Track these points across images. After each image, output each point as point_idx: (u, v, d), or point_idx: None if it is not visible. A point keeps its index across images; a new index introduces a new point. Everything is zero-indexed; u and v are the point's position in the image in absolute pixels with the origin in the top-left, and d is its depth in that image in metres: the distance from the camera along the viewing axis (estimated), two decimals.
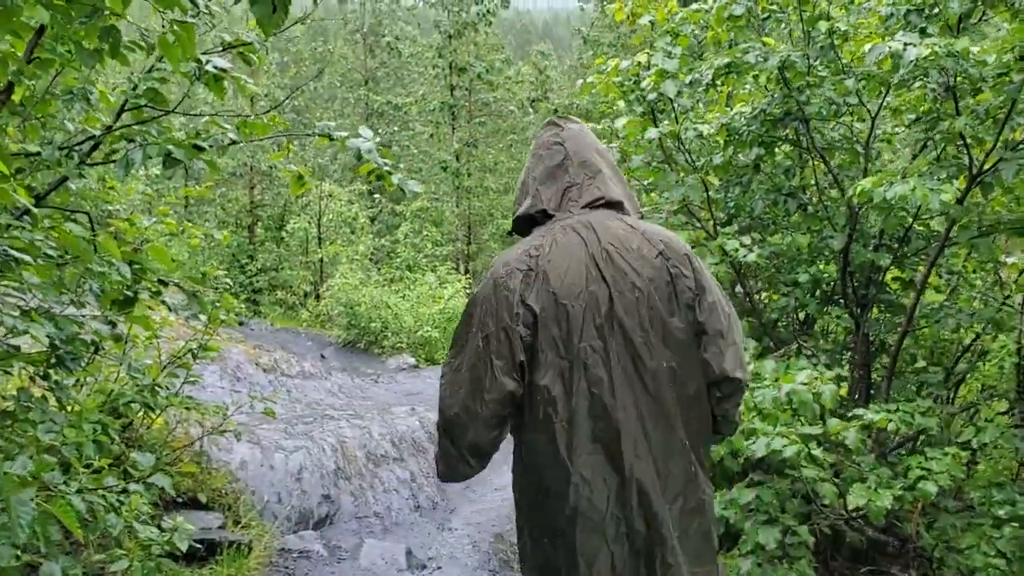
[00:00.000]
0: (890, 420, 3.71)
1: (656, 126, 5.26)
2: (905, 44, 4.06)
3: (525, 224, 2.35)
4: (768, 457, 3.93)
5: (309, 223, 17.11)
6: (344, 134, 3.98)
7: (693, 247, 5.16)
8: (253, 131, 3.93)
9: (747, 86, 6.21)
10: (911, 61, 4.01)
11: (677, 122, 5.30)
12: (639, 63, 5.45)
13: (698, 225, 5.51)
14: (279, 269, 16.67)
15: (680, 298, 2.12)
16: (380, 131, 23.19)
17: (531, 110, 20.83)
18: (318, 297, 16.07)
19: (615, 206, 2.28)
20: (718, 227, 5.49)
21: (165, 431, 4.87)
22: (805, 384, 3.46)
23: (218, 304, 4.67)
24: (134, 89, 3.62)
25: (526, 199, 2.35)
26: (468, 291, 18.02)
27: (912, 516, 4.52)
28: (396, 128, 25.18)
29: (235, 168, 18.02)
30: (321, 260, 16.99)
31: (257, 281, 16.70)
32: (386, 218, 21.77)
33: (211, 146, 3.74)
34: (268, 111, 3.95)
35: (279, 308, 16.76)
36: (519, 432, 2.15)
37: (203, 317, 4.69)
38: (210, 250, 17.29)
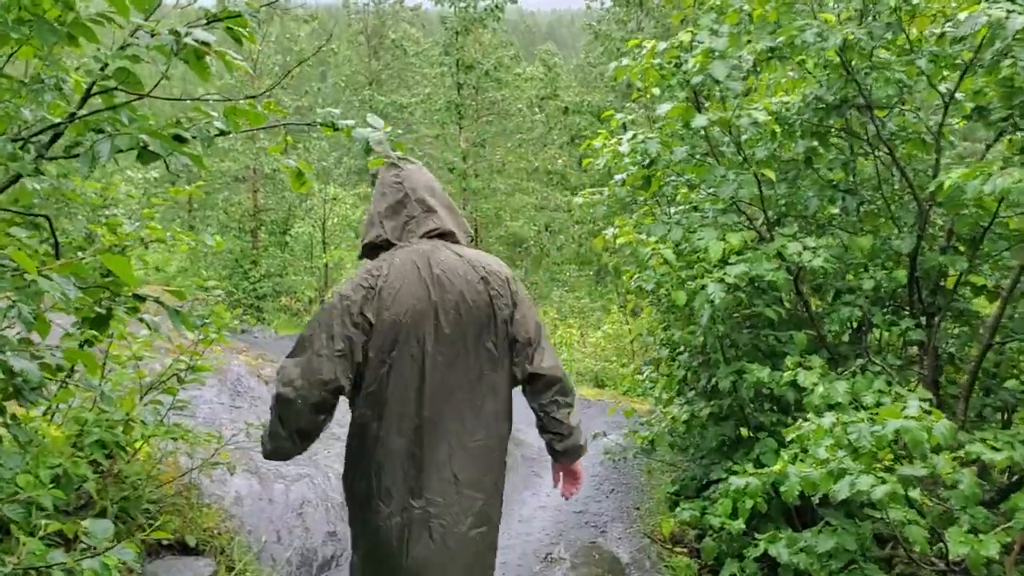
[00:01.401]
0: (1010, 456, 3.10)
1: (700, 113, 4.67)
2: (1008, 11, 3.46)
3: (372, 251, 2.76)
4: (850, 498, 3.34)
5: (313, 227, 16.54)
6: (350, 122, 3.39)
7: (745, 250, 4.58)
8: (245, 120, 3.34)
9: (791, 73, 5.63)
10: (1017, 31, 3.41)
11: (725, 108, 4.70)
12: (680, 43, 4.86)
13: (748, 225, 4.91)
14: (283, 275, 16.10)
15: (498, 315, 2.57)
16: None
17: (540, 108, 20.22)
18: (322, 303, 15.47)
19: (447, 236, 2.74)
20: (772, 228, 4.90)
21: (150, 463, 4.27)
22: (915, 419, 2.86)
23: (207, 320, 4.08)
24: (102, 69, 3.04)
25: (372, 229, 2.78)
26: None
27: (1009, 560, 3.91)
28: (400, 131, 24.56)
29: (238, 172, 17.45)
30: (326, 265, 16.42)
31: (261, 287, 16.13)
32: None
33: (195, 137, 3.16)
34: (262, 94, 3.35)
35: (283, 315, 16.18)
36: (353, 413, 2.59)
37: (191, 335, 4.11)
38: (213, 256, 16.73)
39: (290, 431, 2.51)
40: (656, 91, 5.33)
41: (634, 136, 4.84)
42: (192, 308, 4.51)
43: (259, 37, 15.21)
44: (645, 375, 5.99)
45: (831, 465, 3.03)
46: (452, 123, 19.58)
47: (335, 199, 16.31)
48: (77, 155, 3.05)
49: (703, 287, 4.42)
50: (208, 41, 2.95)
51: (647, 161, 4.88)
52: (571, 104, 18.14)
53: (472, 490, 2.56)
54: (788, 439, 3.54)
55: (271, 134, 17.11)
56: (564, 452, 2.70)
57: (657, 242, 4.58)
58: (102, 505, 3.35)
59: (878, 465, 3.05)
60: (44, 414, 3.84)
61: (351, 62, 29.07)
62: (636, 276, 5.21)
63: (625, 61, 4.98)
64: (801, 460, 3.40)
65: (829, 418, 3.06)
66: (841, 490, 3.21)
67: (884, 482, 3.15)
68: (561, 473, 2.81)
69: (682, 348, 5.41)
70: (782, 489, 3.42)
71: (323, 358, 2.45)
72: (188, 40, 2.90)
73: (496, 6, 18.01)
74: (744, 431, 5.17)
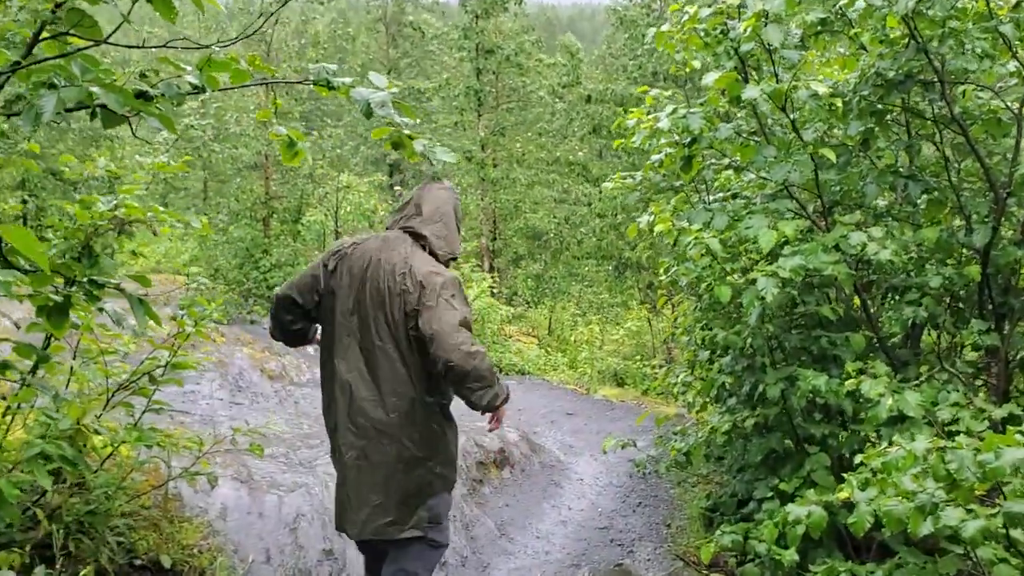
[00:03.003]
0: None
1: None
2: None
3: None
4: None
5: (326, 216, 16.03)
6: (347, 80, 2.88)
7: (799, 240, 4.04)
8: (225, 76, 2.83)
9: (840, 49, 5.09)
10: None
11: (777, 80, 4.16)
12: (727, 6, 4.31)
13: (802, 213, 4.37)
14: (295, 264, 15.59)
15: (406, 305, 3.20)
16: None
17: (561, 98, 19.60)
18: None
19: (417, 237, 3.40)
20: (827, 216, 4.36)
21: (122, 472, 3.78)
22: None
23: (183, 312, 3.58)
24: (54, 11, 2.53)
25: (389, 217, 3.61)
26: (495, 290, 16.90)
27: None
28: (418, 121, 23.96)
29: (251, 159, 16.96)
30: None
31: (271, 277, 15.63)
32: None
33: (163, 94, 2.66)
34: (238, 38, 2.84)
35: None
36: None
37: (165, 328, 3.60)
38: (225, 245, 16.25)
39: (274, 318, 3.53)
40: (696, 64, 4.80)
41: (674, 111, 4.30)
42: (185, 297, 4.01)
43: (273, 20, 14.50)
44: (679, 378, 5.45)
45: (921, 498, 2.49)
46: (471, 110, 19.00)
47: (348, 187, 15.78)
48: (18, 113, 2.56)
49: (752, 282, 3.88)
50: None
51: (688, 139, 4.35)
52: (593, 92, 17.52)
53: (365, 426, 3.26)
54: (856, 461, 3.02)
55: (286, 117, 16.62)
56: (481, 412, 3.29)
57: (699, 230, 4.04)
58: (47, 529, 2.85)
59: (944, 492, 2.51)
60: (3, 415, 3.36)
61: (369, 49, 28.59)
62: (672, 269, 4.68)
63: (665, 27, 4.44)
64: (875, 486, 2.87)
65: (922, 442, 2.52)
66: (925, 527, 2.68)
67: (975, 516, 2.62)
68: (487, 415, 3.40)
69: (722, 350, 4.87)
70: (850, 520, 2.90)
71: (302, 279, 3.44)
72: None
73: None
74: (789, 443, 4.64)
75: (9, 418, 3.31)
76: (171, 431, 4.99)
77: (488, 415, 3.34)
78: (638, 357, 13.97)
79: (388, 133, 3.09)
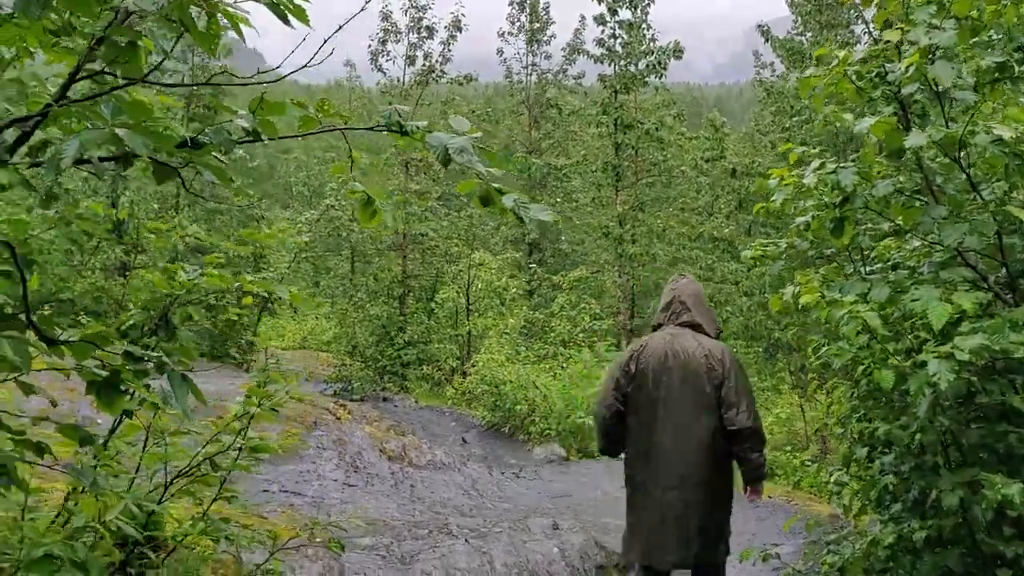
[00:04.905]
0: None
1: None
2: None
3: (653, 329, 4.46)
4: None
5: (457, 293, 15.91)
6: (423, 123, 2.47)
7: (978, 316, 3.32)
8: (283, 122, 2.49)
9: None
10: None
11: (947, 125, 3.49)
12: (884, 46, 3.71)
13: (981, 284, 3.63)
14: (428, 342, 15.49)
15: (711, 381, 4.09)
16: (542, 201, 21.98)
17: (705, 173, 18.97)
18: (464, 373, 14.74)
19: (694, 326, 4.30)
20: (1015, 287, 3.60)
21: (189, 566, 3.41)
22: None
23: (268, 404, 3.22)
24: (92, 47, 2.26)
25: (654, 317, 4.55)
26: None
27: None
28: (559, 199, 23.95)
29: (390, 239, 17.19)
30: (469, 333, 15.69)
31: (405, 354, 15.58)
32: (546, 291, 20.38)
33: (210, 141, 2.33)
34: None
35: (426, 384, 15.54)
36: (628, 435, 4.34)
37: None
38: (365, 322, 16.37)
39: (599, 433, 4.41)
40: (848, 117, 4.18)
41: (822, 165, 3.70)
42: (258, 373, 3.67)
43: (413, 101, 14.66)
44: (832, 477, 4.68)
45: None
46: (608, 185, 18.63)
47: (481, 264, 15.64)
48: (40, 163, 2.28)
49: (921, 365, 3.19)
50: None
51: (840, 199, 3.72)
52: (738, 165, 16.83)
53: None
54: None
55: (423, 197, 16.77)
56: (748, 480, 4.20)
57: (854, 303, 3.38)
58: None
59: None
60: (66, 500, 3.07)
61: (512, 132, 28.92)
62: (823, 349, 4.00)
63: (808, 71, 3.87)
64: None
65: None
66: None
67: None
68: (749, 488, 4.27)
69: (883, 446, 4.12)
70: None
71: (606, 390, 4.32)
72: None
73: (658, 62, 17.11)
74: (971, 562, 3.81)
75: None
76: (265, 518, 4.64)
77: (751, 489, 4.26)
78: (788, 447, 12.88)
79: (475, 187, 2.63)
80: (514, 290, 16.12)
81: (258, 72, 2.53)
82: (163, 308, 3.58)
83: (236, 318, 3.89)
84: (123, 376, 2.48)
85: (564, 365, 13.40)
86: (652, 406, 4.11)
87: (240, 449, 3.38)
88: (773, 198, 3.94)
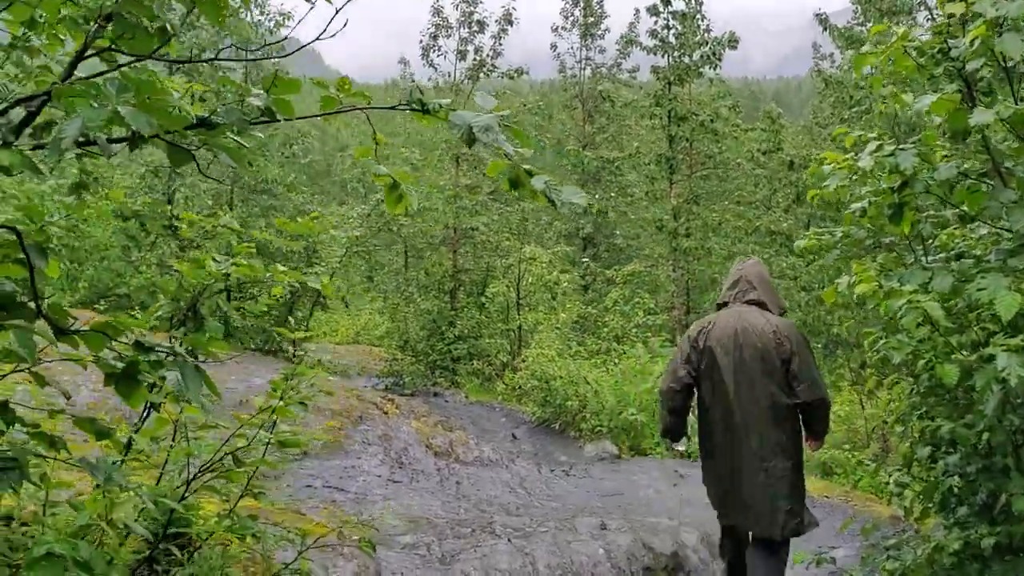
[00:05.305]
0: None
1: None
2: None
3: (718, 308, 4.63)
4: None
5: (508, 287, 15.79)
6: (446, 101, 2.34)
7: None
8: (305, 100, 2.37)
9: None
10: None
11: (1016, 102, 3.24)
12: (948, 19, 3.47)
13: None
14: (478, 337, 15.40)
15: (780, 356, 4.24)
16: (596, 196, 21.77)
17: (761, 165, 18.53)
18: (515, 369, 14.61)
19: (760, 304, 4.47)
20: None
21: (218, 562, 3.33)
22: None
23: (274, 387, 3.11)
24: (101, 25, 2.17)
25: (720, 295, 4.69)
26: None
27: None
28: (613, 194, 23.67)
29: (441, 234, 17.15)
30: (519, 327, 15.55)
31: (456, 349, 15.53)
32: (600, 286, 20.17)
33: (221, 122, 2.22)
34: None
35: (476, 379, 15.46)
36: (698, 408, 4.55)
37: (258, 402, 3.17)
38: (418, 316, 16.36)
39: (666, 410, 4.51)
40: (908, 98, 3.93)
41: (879, 147, 3.47)
42: (286, 368, 3.58)
43: (464, 95, 14.58)
44: (892, 478, 4.44)
45: None
46: (662, 178, 18.32)
47: (532, 258, 15.49)
48: (42, 146, 2.19)
49: (989, 359, 2.95)
50: None
51: (899, 183, 3.49)
52: (796, 157, 16.38)
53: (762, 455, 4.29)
54: None
55: (474, 191, 16.69)
56: (812, 435, 4.44)
57: (914, 292, 3.16)
58: None
59: None
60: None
61: (565, 126, 28.70)
62: (881, 342, 3.77)
63: (864, 48, 3.64)
64: None
65: None
66: None
67: None
68: (810, 438, 4.46)
69: (947, 445, 3.87)
70: None
71: (676, 364, 4.47)
72: None
73: (712, 53, 16.75)
74: None
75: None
76: (303, 515, 4.56)
77: (812, 439, 4.45)
78: (847, 446, 12.49)
79: (504, 168, 2.49)
80: (565, 284, 15.94)
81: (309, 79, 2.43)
82: (192, 298, 3.51)
83: (266, 309, 3.82)
84: (140, 367, 2.40)
85: (617, 361, 13.17)
86: (722, 379, 4.26)
87: (268, 444, 3.30)
88: (826, 183, 3.72)
